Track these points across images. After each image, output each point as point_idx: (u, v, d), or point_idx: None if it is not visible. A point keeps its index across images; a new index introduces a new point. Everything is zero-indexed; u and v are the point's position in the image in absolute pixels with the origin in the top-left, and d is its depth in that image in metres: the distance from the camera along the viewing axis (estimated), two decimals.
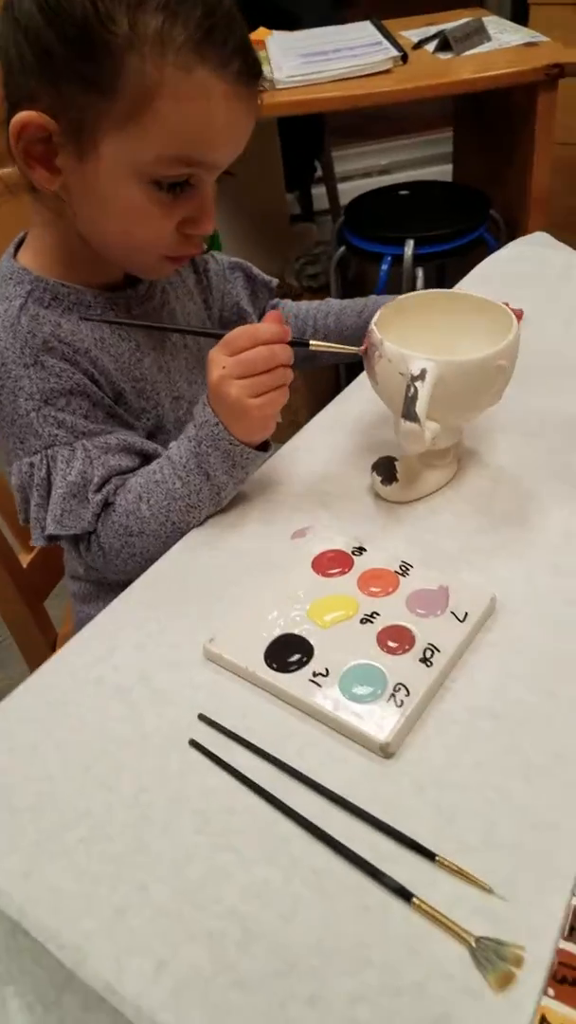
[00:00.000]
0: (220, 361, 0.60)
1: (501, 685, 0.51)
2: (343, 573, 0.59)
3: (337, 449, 0.72)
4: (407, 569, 0.58)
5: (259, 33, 1.92)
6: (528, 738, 0.47)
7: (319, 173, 2.60)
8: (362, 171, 2.87)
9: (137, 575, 0.62)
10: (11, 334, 0.63)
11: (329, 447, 0.73)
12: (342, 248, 1.77)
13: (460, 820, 0.44)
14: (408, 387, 0.58)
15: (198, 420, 0.63)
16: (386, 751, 0.47)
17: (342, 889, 0.42)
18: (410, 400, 0.57)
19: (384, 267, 1.65)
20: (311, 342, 0.62)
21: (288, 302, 0.88)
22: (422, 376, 0.58)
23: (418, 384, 0.57)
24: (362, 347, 0.62)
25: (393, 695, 0.49)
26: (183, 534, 0.64)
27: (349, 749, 0.48)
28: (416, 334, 0.65)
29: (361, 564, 0.59)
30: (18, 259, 0.67)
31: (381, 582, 0.57)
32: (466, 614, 0.54)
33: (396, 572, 0.58)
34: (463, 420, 0.64)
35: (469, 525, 0.63)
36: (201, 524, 0.65)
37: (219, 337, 0.61)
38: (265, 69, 1.68)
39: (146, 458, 0.68)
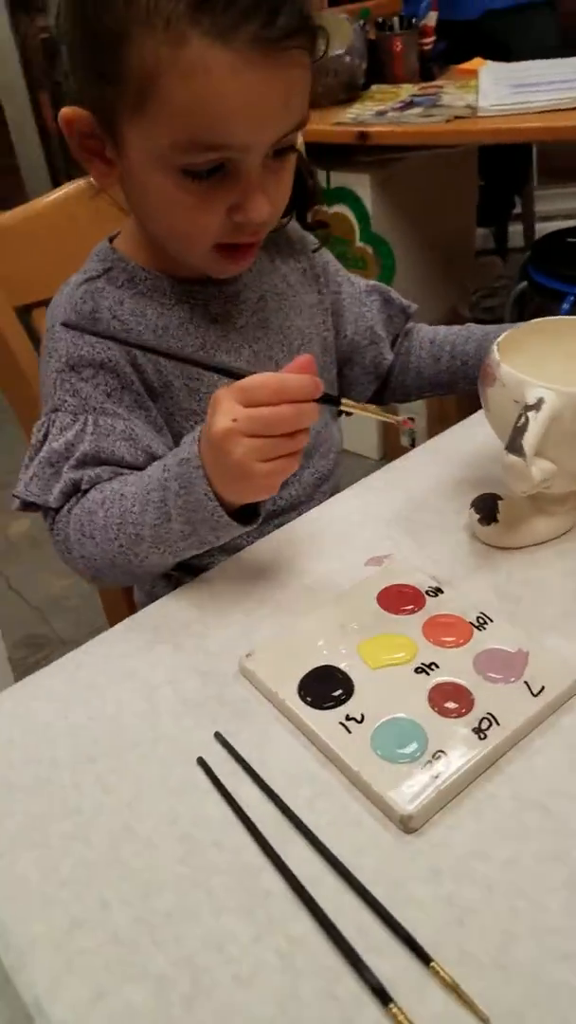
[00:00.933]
0: (231, 410, 0.49)
1: (564, 778, 0.42)
2: (411, 612, 0.52)
3: (443, 478, 0.66)
4: (485, 623, 0.51)
5: (474, 63, 1.88)
6: None
7: (518, 210, 2.51)
8: (566, 212, 2.74)
9: (91, 579, 0.59)
10: (66, 299, 0.63)
11: (435, 475, 0.66)
12: (523, 283, 1.68)
13: (473, 925, 0.37)
14: (519, 416, 0.51)
15: (181, 453, 0.54)
16: (407, 825, 0.40)
17: (313, 968, 0.36)
18: (518, 430, 0.50)
19: (565, 306, 1.54)
20: (343, 401, 0.52)
21: (423, 326, 0.82)
22: (537, 406, 0.50)
23: (531, 414, 0.50)
24: (403, 419, 0.53)
25: (431, 762, 0.43)
26: (131, 563, 0.57)
27: (366, 812, 0.42)
28: (549, 363, 0.57)
29: (433, 606, 0.53)
30: (114, 242, 0.66)
31: (451, 631, 0.51)
32: (543, 688, 0.46)
33: (471, 624, 0.51)
34: None
35: (575, 587, 0.55)
36: (166, 564, 0.58)
37: (237, 376, 0.51)
38: (471, 98, 1.64)
39: (153, 459, 0.61)
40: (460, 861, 0.39)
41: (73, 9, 0.53)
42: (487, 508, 0.58)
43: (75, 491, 0.60)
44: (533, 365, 0.55)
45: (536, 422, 0.50)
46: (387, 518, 0.62)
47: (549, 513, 0.58)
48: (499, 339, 0.57)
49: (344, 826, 0.41)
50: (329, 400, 0.51)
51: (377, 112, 1.60)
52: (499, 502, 0.58)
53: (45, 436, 0.62)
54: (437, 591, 0.54)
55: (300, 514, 0.65)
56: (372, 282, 0.81)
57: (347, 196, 1.73)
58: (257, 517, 0.55)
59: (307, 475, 0.73)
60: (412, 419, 0.52)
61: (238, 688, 0.49)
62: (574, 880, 0.38)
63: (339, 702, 0.47)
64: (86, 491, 0.60)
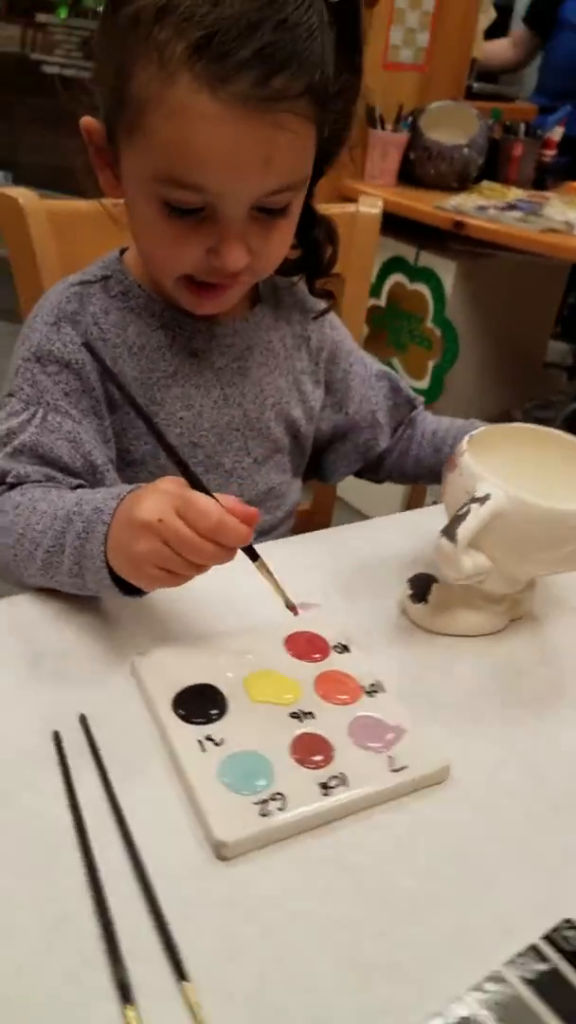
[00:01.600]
0: (164, 510, 0.47)
1: (389, 860, 0.42)
2: (312, 661, 0.53)
3: (398, 550, 0.67)
4: (376, 691, 0.51)
5: None
6: (375, 927, 0.39)
7: None
8: None
9: None
10: (55, 295, 0.65)
11: (391, 545, 0.67)
12: None
13: (240, 962, 0.37)
14: (464, 505, 0.52)
15: (99, 500, 0.53)
16: (219, 852, 0.41)
17: (70, 943, 0.36)
18: (457, 518, 0.52)
19: None
20: (258, 562, 0.51)
21: (428, 415, 0.83)
22: (483, 500, 0.52)
23: (474, 506, 0.52)
24: (295, 605, 0.52)
25: (267, 803, 0.43)
26: (21, 575, 0.57)
27: (191, 830, 0.42)
28: (527, 468, 0.58)
29: (334, 662, 0.53)
30: (124, 255, 0.68)
31: (342, 689, 0.51)
32: (404, 767, 0.46)
33: (363, 688, 0.52)
34: (523, 572, 0.57)
35: (481, 686, 0.55)
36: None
37: (190, 476, 0.49)
38: (572, 215, 1.68)
39: (91, 467, 0.61)
40: (257, 903, 0.39)
41: (100, 29, 0.55)
42: (420, 587, 0.59)
43: (1, 480, 0.60)
44: (504, 466, 0.56)
45: (476, 515, 0.51)
46: (330, 572, 0.64)
47: (478, 608, 0.59)
48: (474, 432, 0.58)
49: (163, 836, 0.42)
50: (250, 553, 0.50)
51: (479, 206, 1.65)
52: (434, 584, 0.58)
53: None
54: (344, 648, 0.55)
55: None
56: (383, 368, 0.82)
57: (430, 277, 1.77)
58: (143, 594, 0.53)
59: None
60: (296, 610, 0.52)
61: (122, 680, 0.51)
62: (346, 954, 0.38)
63: (208, 720, 0.47)
64: (12, 485, 0.59)
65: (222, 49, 0.49)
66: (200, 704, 0.48)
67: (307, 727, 0.48)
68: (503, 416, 1.95)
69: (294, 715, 0.49)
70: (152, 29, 0.50)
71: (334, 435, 0.81)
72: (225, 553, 0.48)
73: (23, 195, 0.78)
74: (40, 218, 0.79)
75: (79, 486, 0.60)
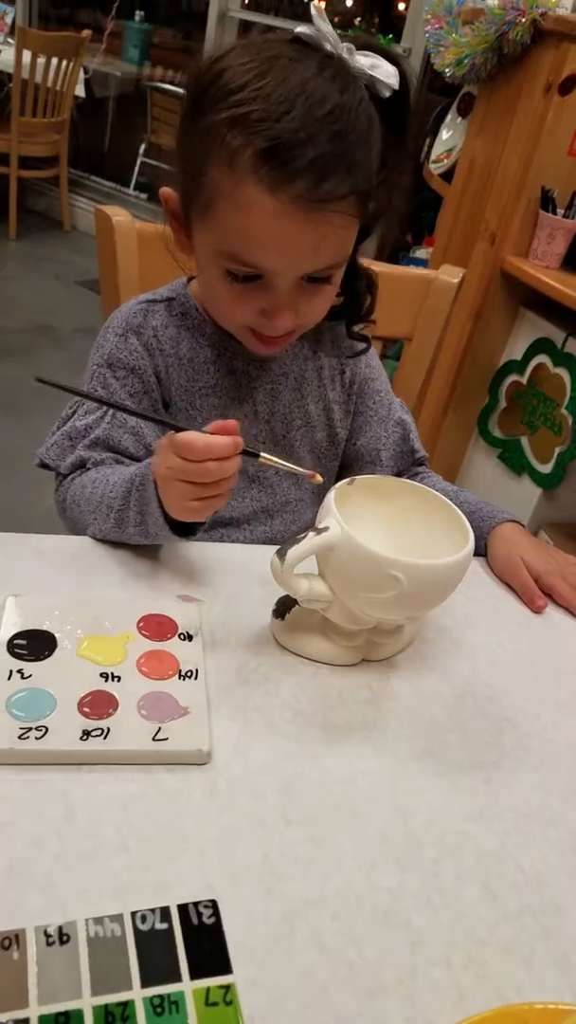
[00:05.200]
0: (167, 459, 0.59)
1: (110, 803, 0.48)
2: (151, 639, 0.59)
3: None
4: (189, 677, 0.57)
5: None
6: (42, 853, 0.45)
7: None
8: None
9: (71, 532, 0.72)
10: (126, 309, 0.78)
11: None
12: None
13: None
14: (305, 532, 0.56)
15: (146, 465, 0.65)
16: None
17: None
18: (294, 541, 0.56)
19: None
20: (261, 455, 0.60)
21: (437, 478, 0.88)
22: (321, 531, 0.56)
23: (311, 534, 0.56)
24: (310, 473, 0.61)
25: (30, 730, 0.50)
26: (98, 531, 0.70)
27: None
28: (404, 520, 0.61)
29: (170, 645, 0.59)
30: (190, 282, 0.79)
31: (159, 666, 0.57)
32: (166, 739, 0.52)
33: (178, 672, 0.57)
34: (356, 607, 0.58)
35: (292, 704, 0.58)
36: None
37: (173, 428, 0.59)
38: None
39: (150, 454, 0.69)
40: None
41: (181, 126, 0.66)
42: (283, 605, 0.63)
43: (81, 465, 0.74)
44: (396, 515, 0.61)
45: (309, 542, 0.56)
46: (232, 575, 0.69)
47: (329, 639, 0.62)
48: (359, 480, 0.62)
49: None
50: (249, 453, 0.59)
51: None
52: (295, 607, 0.62)
53: (73, 414, 0.77)
54: (188, 637, 0.60)
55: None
56: (404, 418, 0.88)
57: (572, 363, 1.73)
58: (193, 533, 0.65)
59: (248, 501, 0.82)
60: (318, 474, 0.62)
61: None
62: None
63: (31, 659, 0.55)
64: (89, 469, 0.73)
65: (283, 158, 0.58)
66: (33, 644, 0.57)
67: (108, 687, 0.55)
68: None
69: (103, 675, 0.56)
70: (225, 137, 0.60)
71: (341, 461, 0.88)
72: (228, 464, 0.57)
73: (117, 213, 0.93)
74: (129, 236, 0.92)
75: None
